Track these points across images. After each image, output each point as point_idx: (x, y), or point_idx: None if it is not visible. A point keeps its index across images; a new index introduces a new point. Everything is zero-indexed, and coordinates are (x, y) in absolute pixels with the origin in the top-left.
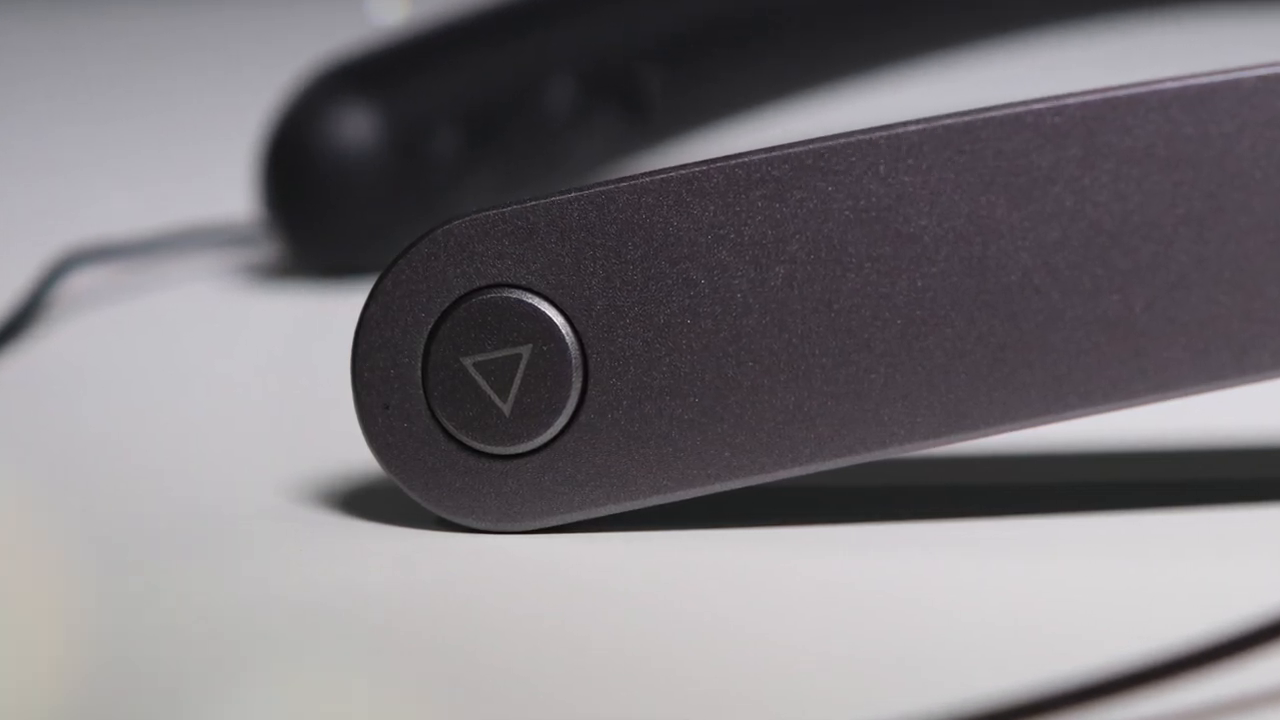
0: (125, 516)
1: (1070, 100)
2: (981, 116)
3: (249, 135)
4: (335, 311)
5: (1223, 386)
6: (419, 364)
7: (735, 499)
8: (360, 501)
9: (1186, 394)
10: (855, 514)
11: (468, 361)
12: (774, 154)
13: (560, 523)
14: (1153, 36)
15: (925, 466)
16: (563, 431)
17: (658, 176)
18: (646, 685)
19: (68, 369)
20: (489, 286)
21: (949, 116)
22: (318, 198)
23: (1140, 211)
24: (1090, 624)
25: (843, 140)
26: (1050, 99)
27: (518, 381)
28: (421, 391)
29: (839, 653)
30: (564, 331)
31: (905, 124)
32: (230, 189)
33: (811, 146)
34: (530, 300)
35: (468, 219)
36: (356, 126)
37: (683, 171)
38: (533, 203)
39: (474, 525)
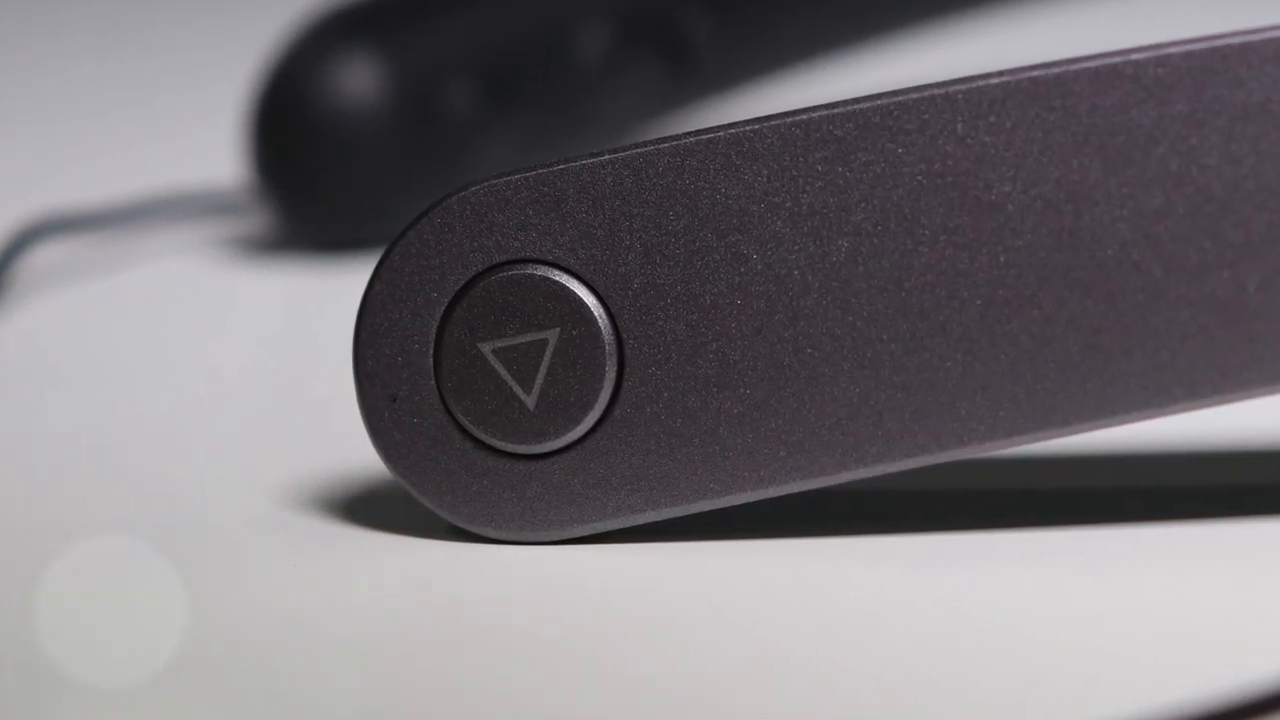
0: (95, 524)
1: (1174, 50)
2: (1074, 68)
3: (237, 89)
4: (335, 290)
5: None
6: (430, 350)
7: (791, 505)
8: (363, 508)
9: None
10: (926, 523)
11: (486, 348)
12: (836, 111)
13: (591, 532)
14: None
15: (1006, 469)
16: (594, 428)
17: (703, 137)
18: (689, 715)
19: (32, 354)
20: (510, 262)
21: (1036, 68)
22: (315, 160)
23: (1254, 176)
24: (1177, 648)
25: (915, 95)
26: (1152, 48)
27: (543, 370)
28: (433, 382)
29: (902, 677)
30: (596, 314)
31: (986, 76)
32: (215, 150)
33: (879, 103)
34: (557, 278)
35: (487, 185)
36: (360, 78)
37: (732, 131)
38: (561, 166)
39: (493, 535)
